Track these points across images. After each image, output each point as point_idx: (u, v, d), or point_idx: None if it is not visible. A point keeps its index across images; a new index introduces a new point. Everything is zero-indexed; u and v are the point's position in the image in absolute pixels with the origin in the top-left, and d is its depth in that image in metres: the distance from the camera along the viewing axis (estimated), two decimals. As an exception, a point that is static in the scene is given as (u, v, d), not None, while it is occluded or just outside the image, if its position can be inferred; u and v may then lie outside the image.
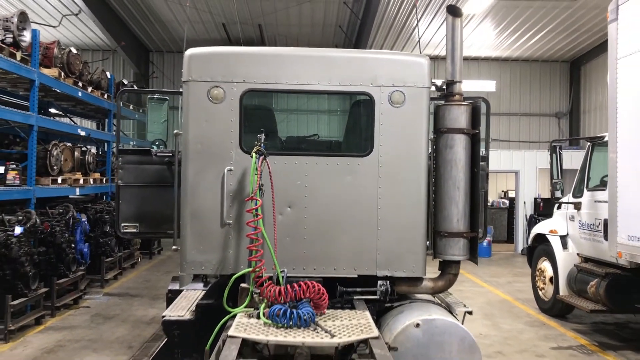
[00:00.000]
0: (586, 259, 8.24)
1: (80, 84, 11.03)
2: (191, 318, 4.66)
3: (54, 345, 7.06)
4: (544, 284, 9.23)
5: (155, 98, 5.98)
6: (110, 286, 10.91)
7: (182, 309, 4.89)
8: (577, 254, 8.47)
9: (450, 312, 4.70)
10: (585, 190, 8.39)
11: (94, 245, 10.62)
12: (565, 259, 8.60)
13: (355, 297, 4.54)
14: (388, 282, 4.58)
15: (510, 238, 18.58)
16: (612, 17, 6.79)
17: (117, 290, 10.67)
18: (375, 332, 3.65)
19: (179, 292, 5.57)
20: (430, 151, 4.74)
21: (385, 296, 4.59)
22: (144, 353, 6.76)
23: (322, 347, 3.51)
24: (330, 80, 4.58)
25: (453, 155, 4.68)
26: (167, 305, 5.34)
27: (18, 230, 7.34)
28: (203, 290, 5.26)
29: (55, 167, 9.71)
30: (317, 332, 3.62)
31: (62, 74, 10.12)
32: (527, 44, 18.15)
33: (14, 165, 8.22)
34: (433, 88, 4.77)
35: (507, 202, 19.83)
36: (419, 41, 16.57)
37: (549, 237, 9.11)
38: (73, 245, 9.10)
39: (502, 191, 21.84)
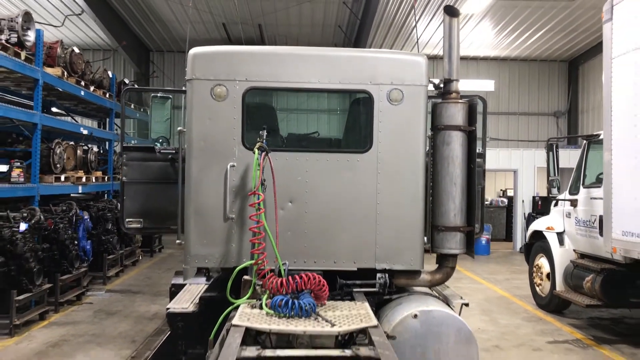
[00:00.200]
0: (582, 255, 8.36)
1: (82, 83, 11.15)
2: (195, 310, 4.78)
3: (58, 340, 7.18)
4: (541, 280, 9.36)
5: (158, 96, 6.09)
6: (112, 283, 11.03)
7: (185, 302, 5.01)
8: (574, 250, 8.60)
9: (448, 304, 4.81)
10: (581, 187, 8.51)
11: (96, 242, 10.73)
12: (562, 255, 8.73)
13: (354, 290, 4.65)
14: (387, 275, 4.70)
15: (508, 236, 18.72)
16: (607, 17, 6.92)
17: (119, 287, 10.78)
18: (374, 321, 3.76)
19: (182, 286, 5.70)
20: (427, 148, 4.85)
21: (384, 289, 4.70)
22: (147, 347, 6.88)
23: (323, 335, 3.61)
24: (331, 79, 4.70)
25: (450, 152, 4.80)
26: (171, 299, 5.46)
27: (23, 226, 7.46)
28: (206, 284, 5.40)
29: (58, 165, 9.83)
30: (318, 322, 3.73)
31: (65, 73, 10.24)
32: (525, 43, 18.29)
33: (18, 163, 8.33)
34: (431, 86, 4.89)
35: (505, 200, 19.96)
36: (417, 41, 16.68)
37: (546, 234, 9.23)
38: (76, 242, 9.21)
39: (501, 190, 21.97)
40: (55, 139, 10.06)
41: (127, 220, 5.47)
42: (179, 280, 5.85)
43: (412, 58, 4.86)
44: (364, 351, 3.37)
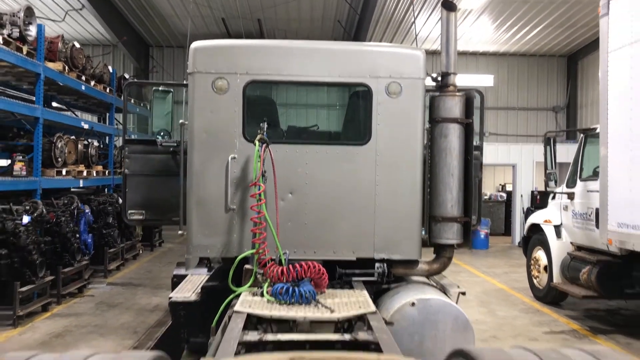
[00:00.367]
0: (579, 248, 8.45)
1: (83, 77, 11.22)
2: (197, 299, 4.86)
3: (61, 331, 7.28)
4: (539, 272, 9.45)
5: (159, 91, 6.15)
6: (113, 276, 11.12)
7: (187, 291, 5.09)
8: (571, 243, 8.68)
9: (445, 293, 4.90)
10: (578, 180, 8.60)
11: (97, 236, 10.82)
12: (559, 248, 8.82)
13: (353, 279, 4.74)
14: (385, 264, 4.78)
15: (507, 231, 18.81)
16: (603, 12, 6.99)
17: (120, 280, 10.88)
18: (372, 308, 3.85)
19: (183, 277, 5.78)
20: (425, 140, 4.93)
21: (382, 278, 4.78)
22: (148, 337, 6.97)
23: (323, 321, 3.70)
24: (330, 72, 4.77)
25: (447, 144, 4.88)
26: (173, 290, 5.54)
27: (26, 219, 7.54)
28: (207, 274, 5.49)
29: (59, 159, 9.91)
30: (318, 309, 3.82)
31: (66, 67, 10.31)
32: (524, 38, 18.34)
33: (20, 157, 8.41)
34: (428, 79, 4.96)
35: (504, 195, 20.06)
36: (416, 36, 16.74)
37: (543, 226, 9.33)
38: (77, 235, 9.30)
39: (500, 185, 22.06)
40: (56, 133, 10.14)
41: (129, 212, 5.55)
42: (181, 271, 5.94)
43: (410, 52, 4.94)
44: (362, 336, 3.46)
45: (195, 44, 4.77)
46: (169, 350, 2.74)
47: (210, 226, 4.69)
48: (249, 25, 17.81)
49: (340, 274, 4.73)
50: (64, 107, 13.34)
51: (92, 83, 11.77)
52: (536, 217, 9.81)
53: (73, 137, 10.99)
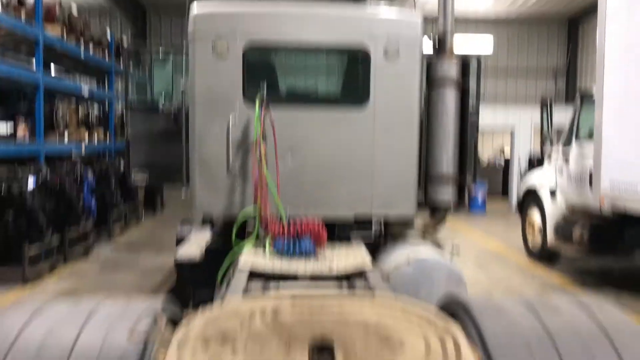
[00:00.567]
0: (573, 208, 8.63)
1: (82, 42, 11.21)
2: (201, 258, 5.06)
3: (69, 289, 7.52)
4: (533, 233, 9.67)
5: (160, 57, 6.23)
6: (117, 239, 11.34)
7: (192, 250, 5.28)
8: (565, 204, 8.86)
9: (440, 251, 5.08)
10: (573, 142, 8.72)
11: (100, 200, 10.99)
12: (554, 209, 9.00)
13: (351, 237, 4.91)
14: (382, 223, 4.95)
15: (505, 195, 19.01)
16: (601, -27, 7.00)
17: (124, 242, 11.11)
18: (370, 263, 4.03)
19: (187, 236, 5.98)
20: (422, 102, 5.04)
21: (379, 237, 4.97)
22: (155, 295, 7.20)
23: (323, 275, 3.87)
24: (329, 35, 4.85)
25: (444, 107, 4.99)
26: (177, 249, 5.74)
27: (31, 182, 7.69)
28: (211, 233, 5.66)
29: (61, 125, 10.01)
30: (318, 263, 4.00)
31: (65, 32, 10.30)
32: (526, 3, 18.17)
33: (23, 118, 8.49)
34: (427, 42, 5.04)
35: (502, 160, 20.21)
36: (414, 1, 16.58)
37: (538, 189, 9.49)
38: (81, 199, 9.47)
39: (500, 150, 22.18)
40: (56, 98, 10.21)
41: (133, 174, 5.70)
42: (185, 230, 6.13)
43: (409, 15, 5.01)
44: (360, 287, 3.64)
45: (195, 9, 4.83)
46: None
47: (212, 187, 4.84)
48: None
49: (338, 233, 4.90)
50: (63, 72, 13.34)
51: (91, 48, 11.75)
52: (532, 180, 9.97)
53: (73, 102, 11.06)
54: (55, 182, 8.66)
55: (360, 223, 4.94)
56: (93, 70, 14.05)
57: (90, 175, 10.26)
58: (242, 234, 4.61)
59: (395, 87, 4.88)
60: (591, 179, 7.57)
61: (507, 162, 19.15)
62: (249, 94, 4.79)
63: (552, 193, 9.13)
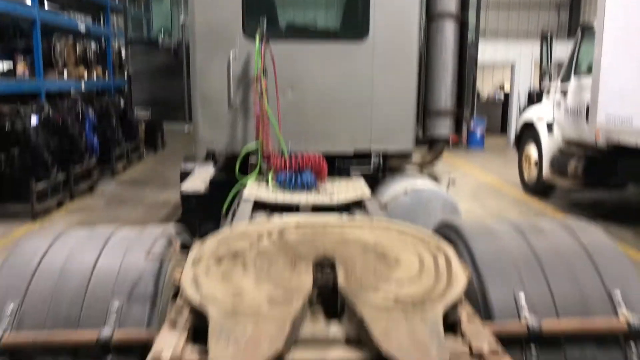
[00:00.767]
0: (569, 142, 8.76)
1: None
2: (206, 191, 5.23)
3: (77, 223, 7.75)
4: (530, 167, 9.84)
5: (158, -10, 6.17)
6: (120, 176, 11.53)
7: (197, 184, 5.45)
8: (561, 138, 8.98)
9: (436, 182, 5.25)
10: (572, 76, 8.74)
11: (102, 137, 11.09)
12: (550, 143, 9.13)
13: (351, 170, 5.06)
14: (381, 157, 5.09)
15: (503, 131, 19.08)
16: None
17: (127, 179, 11.30)
18: (368, 193, 4.20)
19: (191, 171, 6.13)
20: (421, 36, 5.06)
21: (378, 170, 5.11)
22: (160, 230, 7.44)
23: (324, 206, 4.04)
24: None
25: (443, 40, 5.02)
26: (182, 182, 5.90)
27: (34, 120, 7.78)
28: (214, 168, 5.81)
29: (59, 62, 9.98)
30: (319, 195, 4.17)
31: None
32: None
33: (22, 57, 8.48)
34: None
35: (502, 95, 20.14)
36: None
37: (536, 123, 9.58)
38: (83, 136, 9.58)
39: (500, 86, 22.06)
40: (53, 36, 10.11)
41: (136, 111, 5.78)
42: (189, 166, 6.28)
43: None
44: (359, 215, 3.82)
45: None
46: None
47: (215, 122, 4.94)
48: None
49: (338, 166, 5.04)
50: (58, 9, 13.12)
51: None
52: (530, 114, 10.05)
53: (71, 39, 10.95)
54: (58, 119, 8.73)
55: (359, 157, 5.07)
56: (88, 7, 13.80)
57: (91, 113, 10.31)
58: (245, 169, 4.75)
59: (395, 21, 4.90)
60: (588, 113, 7.66)
61: (507, 98, 19.09)
62: (249, 29, 4.81)
63: (549, 127, 9.23)
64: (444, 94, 5.10)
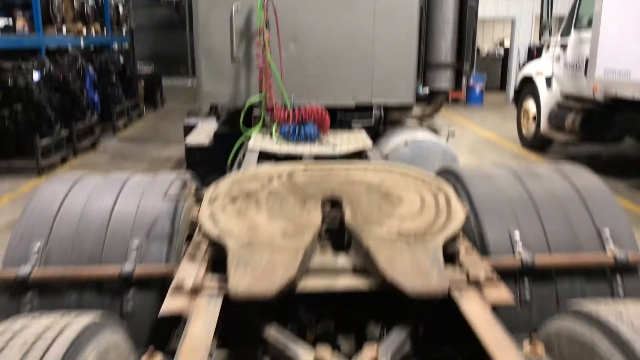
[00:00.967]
0: (567, 97, 8.83)
1: None
2: (210, 144, 5.34)
3: (83, 179, 7.88)
4: (528, 122, 9.93)
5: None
6: (121, 133, 11.61)
7: (200, 138, 5.56)
8: (560, 93, 9.05)
9: (436, 134, 5.36)
10: (572, 30, 8.74)
11: (102, 94, 11.12)
12: (549, 97, 9.20)
13: (352, 123, 5.16)
14: (382, 109, 5.18)
15: (503, 88, 19.05)
16: None
17: (129, 136, 11.38)
18: (370, 144, 4.32)
19: (194, 125, 6.23)
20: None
21: (379, 122, 5.22)
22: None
23: (327, 156, 4.17)
24: None
25: (444, -8, 5.06)
26: (185, 137, 6.00)
27: (36, 76, 7.81)
28: (217, 122, 5.90)
29: (57, 17, 9.92)
30: (322, 146, 4.29)
31: None
32: None
33: (21, 13, 8.44)
34: None
35: (502, 51, 20.02)
36: None
37: (535, 77, 9.62)
38: (85, 92, 9.61)
39: (499, 43, 21.87)
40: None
41: (139, 65, 5.83)
42: (192, 120, 6.37)
43: None
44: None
45: None
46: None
47: (218, 75, 5.00)
48: None
49: (340, 119, 5.14)
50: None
51: None
52: (529, 69, 10.08)
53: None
54: (59, 75, 8.76)
55: (360, 110, 5.16)
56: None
57: (91, 70, 10.31)
58: (249, 121, 4.85)
59: (396, -27, 4.92)
60: (587, 66, 7.71)
61: (507, 54, 18.98)
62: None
63: (548, 81, 9.28)
64: (444, 47, 5.17)
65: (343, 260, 2.01)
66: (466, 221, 2.26)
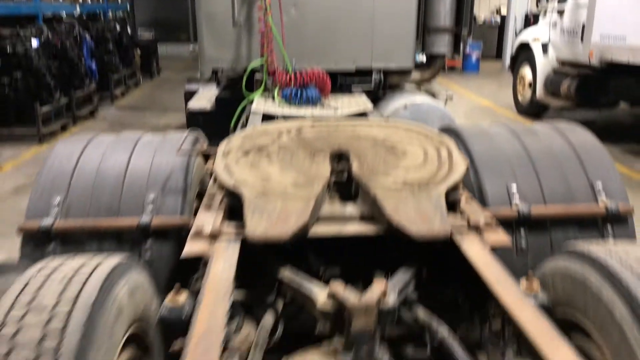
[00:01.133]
0: (563, 63, 8.90)
1: None
2: (212, 109, 5.42)
3: (84, 146, 7.95)
4: (524, 88, 10.01)
5: None
6: (119, 102, 11.62)
7: (202, 103, 5.63)
8: (556, 59, 9.11)
9: (434, 99, 5.46)
10: (569, -4, 8.77)
11: (100, 62, 11.09)
12: (545, 64, 9.26)
13: (352, 87, 5.24)
14: (381, 74, 5.26)
15: (499, 57, 19.02)
16: None
17: (127, 104, 11.40)
18: (371, 106, 4.42)
19: (195, 92, 6.29)
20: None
21: (379, 86, 5.30)
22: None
23: (329, 118, 4.27)
24: None
25: (443, -43, 5.10)
26: (186, 103, 6.07)
27: (35, 43, 7.81)
28: (217, 89, 5.96)
29: (52, -16, 9.85)
30: (323, 108, 4.38)
31: None
32: None
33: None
34: None
35: (499, 19, 19.93)
36: None
37: (531, 44, 9.67)
38: (82, 60, 9.61)
39: (496, 11, 21.74)
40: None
41: (139, 31, 5.86)
42: (193, 86, 6.43)
43: None
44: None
45: None
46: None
47: (220, 40, 5.05)
48: None
49: (340, 83, 5.22)
50: None
51: None
52: (525, 35, 10.11)
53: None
54: (57, 43, 8.74)
55: (361, 75, 5.24)
56: None
57: (88, 38, 10.28)
58: (250, 86, 4.92)
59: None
60: (583, 32, 7.77)
61: (503, 21, 18.90)
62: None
63: (544, 47, 9.32)
64: (443, 11, 5.23)
65: (351, 208, 2.14)
66: (466, 175, 2.38)
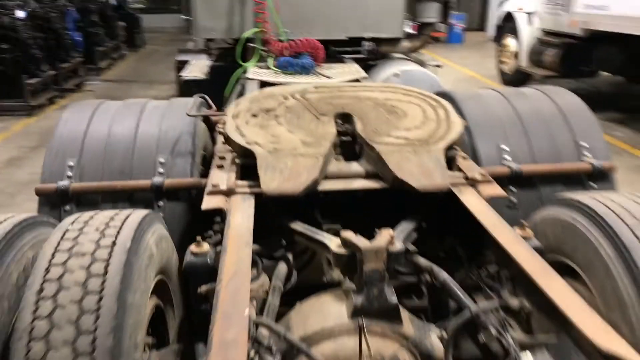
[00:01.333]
0: (547, 33, 9.04)
1: None
2: (206, 77, 5.48)
3: (74, 119, 7.95)
4: (508, 58, 10.15)
5: None
6: (105, 74, 11.55)
7: (195, 72, 5.68)
8: (540, 28, 9.24)
9: (423, 66, 5.58)
10: (554, -34, 8.86)
11: (85, 34, 10.99)
12: (529, 34, 9.38)
13: (345, 56, 5.34)
14: (373, 42, 5.36)
15: (482, 27, 19.10)
16: None
17: (113, 77, 11.34)
18: (364, 74, 4.53)
19: (186, 62, 6.31)
20: None
21: (370, 55, 5.41)
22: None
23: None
24: None
25: None
26: (177, 73, 6.11)
27: (21, 14, 7.74)
28: (209, 59, 6.00)
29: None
30: (317, 77, 4.48)
31: None
32: None
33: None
34: None
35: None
36: None
37: (516, 14, 9.77)
38: (68, 32, 9.52)
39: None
40: None
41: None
42: (184, 57, 6.45)
43: None
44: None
45: None
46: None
47: (213, 9, 5.09)
48: None
49: (332, 52, 5.31)
50: None
51: None
52: (510, 5, 10.21)
53: None
54: (42, 15, 8.66)
55: (352, 44, 5.33)
56: None
57: (72, 8, 10.16)
58: (244, 55, 4.98)
59: None
60: (567, 2, 7.91)
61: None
62: None
63: (529, 17, 9.43)
64: (432, -20, 5.32)
65: (356, 166, 2.27)
66: (462, 135, 2.53)
